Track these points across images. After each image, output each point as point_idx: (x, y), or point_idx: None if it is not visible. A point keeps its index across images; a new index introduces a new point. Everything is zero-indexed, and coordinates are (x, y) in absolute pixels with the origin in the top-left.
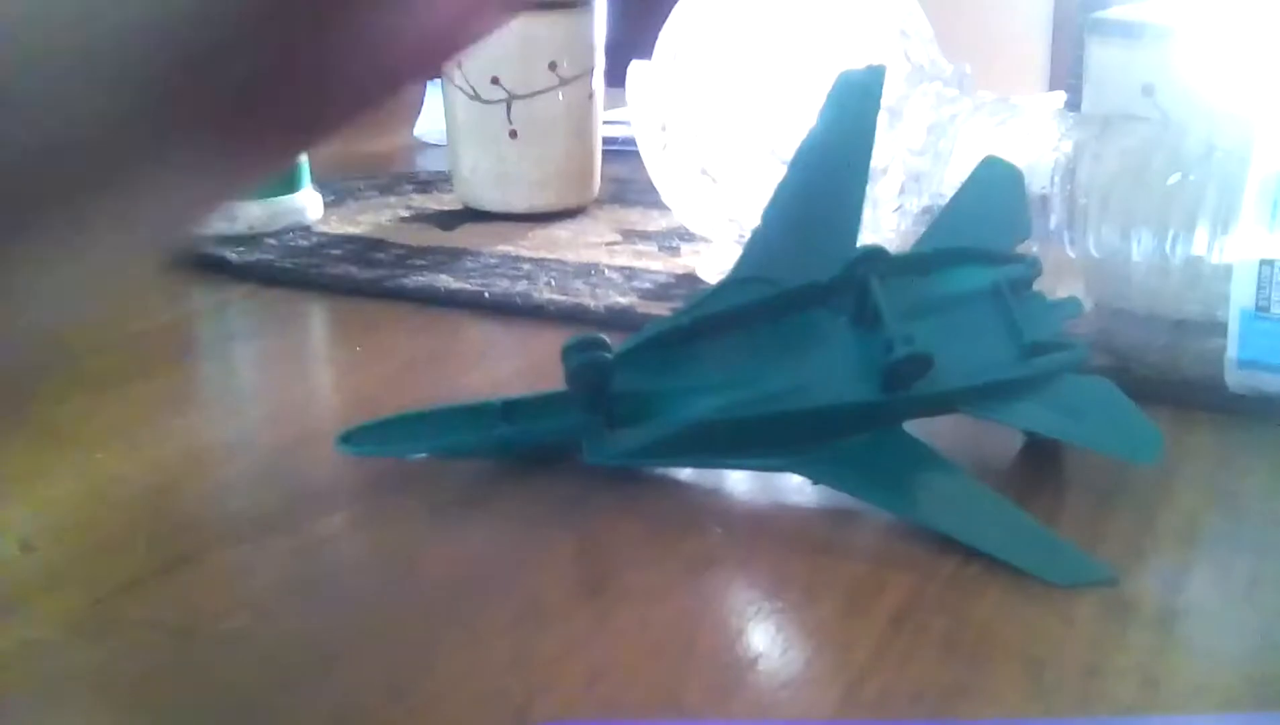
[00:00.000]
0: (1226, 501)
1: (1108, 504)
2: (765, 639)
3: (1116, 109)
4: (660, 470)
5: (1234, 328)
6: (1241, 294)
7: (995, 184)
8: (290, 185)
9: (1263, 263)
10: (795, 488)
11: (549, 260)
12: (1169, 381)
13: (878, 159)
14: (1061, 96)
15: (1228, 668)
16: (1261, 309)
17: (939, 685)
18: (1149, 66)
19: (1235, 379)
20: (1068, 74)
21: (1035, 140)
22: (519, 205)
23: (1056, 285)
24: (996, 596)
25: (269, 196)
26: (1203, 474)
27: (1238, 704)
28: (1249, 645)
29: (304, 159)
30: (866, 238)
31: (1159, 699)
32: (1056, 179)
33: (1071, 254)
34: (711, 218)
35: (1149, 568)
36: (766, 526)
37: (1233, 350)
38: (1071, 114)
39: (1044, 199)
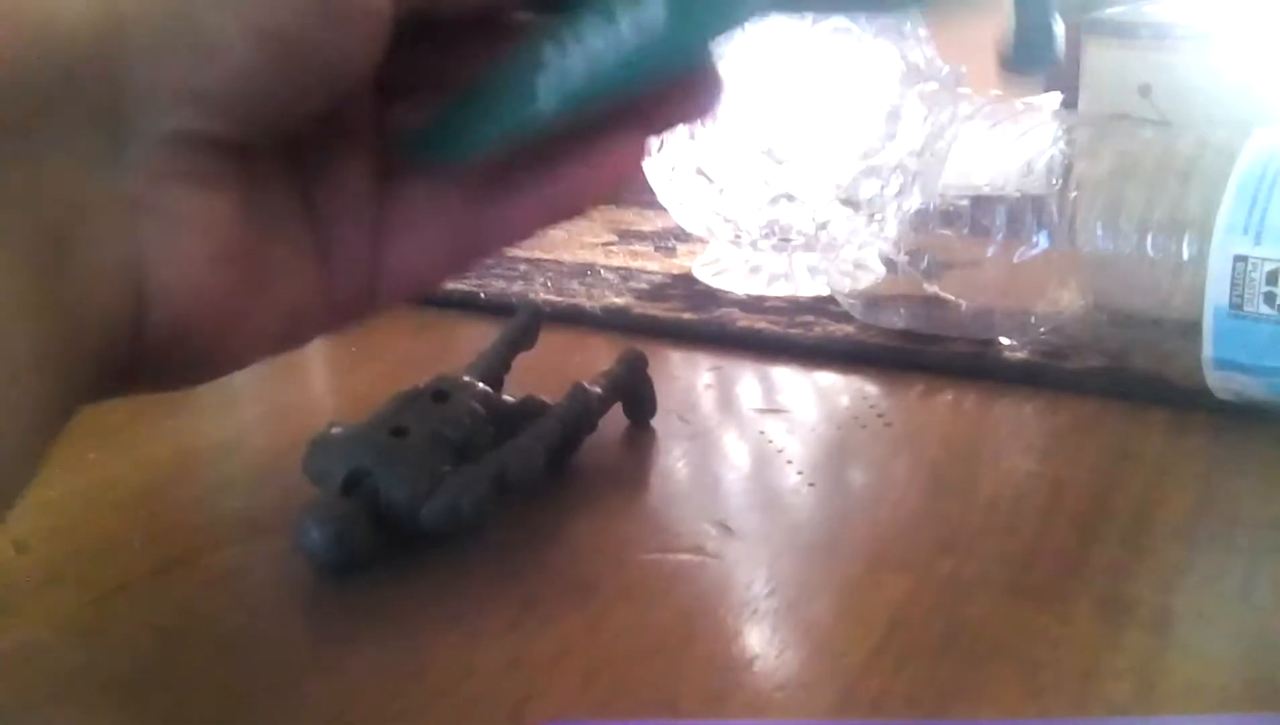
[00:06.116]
0: (1222, 502)
1: (1103, 505)
2: (761, 640)
3: (1113, 109)
4: (655, 470)
5: (1209, 326)
6: (1216, 291)
7: None
8: None
9: (1237, 258)
10: (792, 488)
11: (545, 261)
12: (1163, 382)
13: (878, 159)
14: (1058, 97)
15: (1223, 669)
16: (1235, 306)
17: (935, 686)
18: (1145, 67)
19: (1214, 381)
20: (1064, 74)
21: (1032, 141)
22: None
23: (1054, 285)
24: (992, 597)
25: None
26: (1198, 475)
27: (1234, 705)
28: (1245, 646)
29: None
30: (867, 241)
31: (1155, 700)
32: (1053, 179)
33: (1067, 254)
34: (707, 217)
35: (1145, 569)
36: (762, 527)
37: (1208, 349)
38: (1068, 114)
39: (1041, 199)
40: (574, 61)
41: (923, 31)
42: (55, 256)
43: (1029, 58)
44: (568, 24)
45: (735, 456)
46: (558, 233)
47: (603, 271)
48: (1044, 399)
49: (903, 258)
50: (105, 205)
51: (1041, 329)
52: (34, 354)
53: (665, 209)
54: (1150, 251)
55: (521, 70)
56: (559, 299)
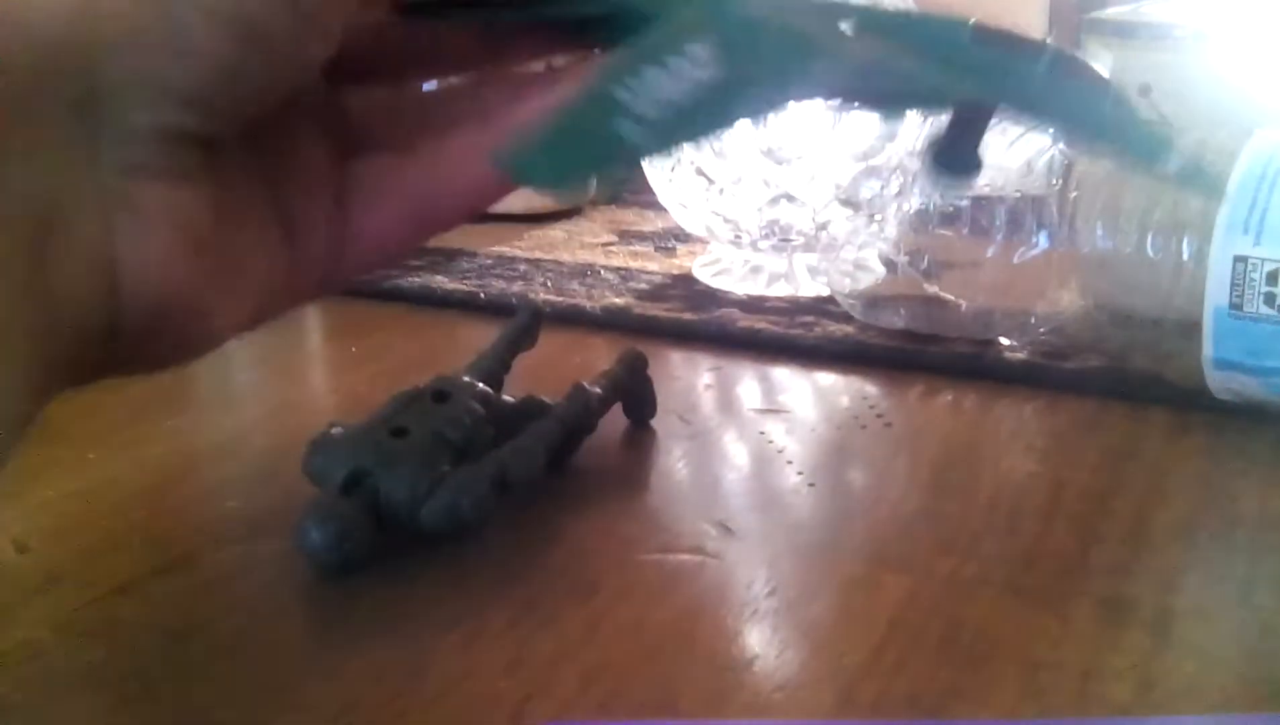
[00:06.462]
0: (1222, 503)
1: (1103, 505)
2: (761, 640)
3: None
4: (655, 470)
5: (1209, 326)
6: (1216, 291)
7: None
8: None
9: (1236, 259)
10: (792, 488)
11: (545, 261)
12: (1163, 382)
13: (878, 159)
14: None
15: (1223, 669)
16: (1235, 307)
17: (935, 687)
18: (1146, 67)
19: (1214, 381)
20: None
21: (1032, 141)
22: (515, 206)
23: (1054, 285)
24: (992, 597)
25: None
26: (1198, 475)
27: (1234, 705)
28: (1245, 647)
29: None
30: (867, 241)
31: (1154, 700)
32: (1053, 179)
33: (1067, 254)
34: (707, 217)
35: (1145, 569)
36: (762, 527)
37: (1208, 349)
38: None
39: (1041, 199)
40: (646, 103)
41: None
42: (30, 249)
43: (954, 166)
44: (629, 67)
45: (735, 456)
46: (558, 233)
47: (603, 271)
48: (1044, 399)
49: (903, 258)
50: (80, 200)
51: (1041, 329)
52: (8, 342)
53: (665, 209)
54: (1150, 251)
55: (603, 112)
56: (559, 299)
